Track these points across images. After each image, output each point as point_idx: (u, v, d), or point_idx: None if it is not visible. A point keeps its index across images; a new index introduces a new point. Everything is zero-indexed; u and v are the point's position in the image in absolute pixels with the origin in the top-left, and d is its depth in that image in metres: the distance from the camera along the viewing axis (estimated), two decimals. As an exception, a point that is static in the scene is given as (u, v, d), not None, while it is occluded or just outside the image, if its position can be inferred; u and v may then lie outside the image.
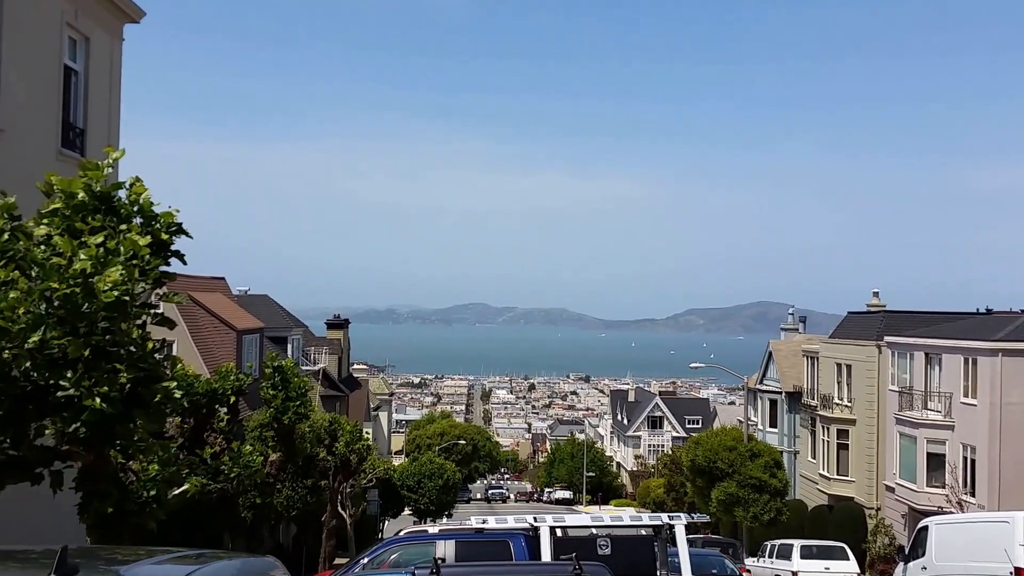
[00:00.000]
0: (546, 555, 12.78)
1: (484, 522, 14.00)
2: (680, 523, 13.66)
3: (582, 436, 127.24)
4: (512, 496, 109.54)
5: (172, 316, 32.11)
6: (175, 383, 9.42)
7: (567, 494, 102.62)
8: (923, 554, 21.71)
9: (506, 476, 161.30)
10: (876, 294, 48.72)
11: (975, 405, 34.08)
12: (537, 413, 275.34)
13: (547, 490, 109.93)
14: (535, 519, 13.49)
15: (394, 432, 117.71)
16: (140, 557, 3.87)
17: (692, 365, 46.69)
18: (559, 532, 13.31)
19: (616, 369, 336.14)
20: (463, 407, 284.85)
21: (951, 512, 29.60)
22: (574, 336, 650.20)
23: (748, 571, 29.30)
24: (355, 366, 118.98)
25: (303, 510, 31.52)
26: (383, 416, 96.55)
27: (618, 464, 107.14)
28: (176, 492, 15.90)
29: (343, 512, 29.38)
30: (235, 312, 37.11)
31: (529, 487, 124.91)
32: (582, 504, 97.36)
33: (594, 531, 13.52)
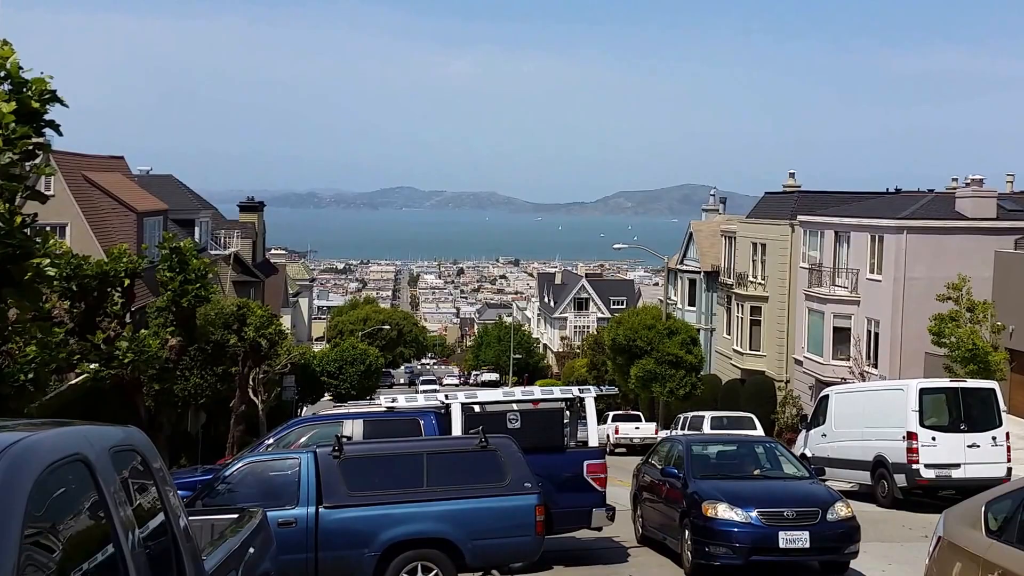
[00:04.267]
0: (457, 432, 13.12)
1: (394, 401, 14.31)
2: (590, 396, 14.27)
3: (510, 319, 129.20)
4: (440, 381, 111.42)
5: (63, 196, 31.32)
6: (48, 260, 9.27)
7: (494, 376, 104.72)
8: (823, 421, 23.04)
9: (434, 360, 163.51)
10: (792, 175, 49.79)
11: (880, 281, 35.62)
12: (466, 298, 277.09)
13: (474, 373, 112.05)
14: (446, 397, 13.81)
15: (315, 319, 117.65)
16: None
17: (615, 246, 47.58)
18: (471, 409, 13.60)
19: (545, 252, 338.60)
20: (389, 293, 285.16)
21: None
22: (504, 219, 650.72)
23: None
24: (272, 251, 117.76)
25: (212, 397, 31.65)
26: (303, 302, 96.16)
27: (544, 346, 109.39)
28: (73, 381, 15.94)
29: (255, 398, 29.72)
30: (135, 193, 36.28)
31: (457, 371, 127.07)
32: (508, 385, 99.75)
33: (514, 407, 13.83)
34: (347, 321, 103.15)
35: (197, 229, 43.71)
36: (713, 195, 63.36)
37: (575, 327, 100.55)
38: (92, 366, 14.36)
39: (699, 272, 55.37)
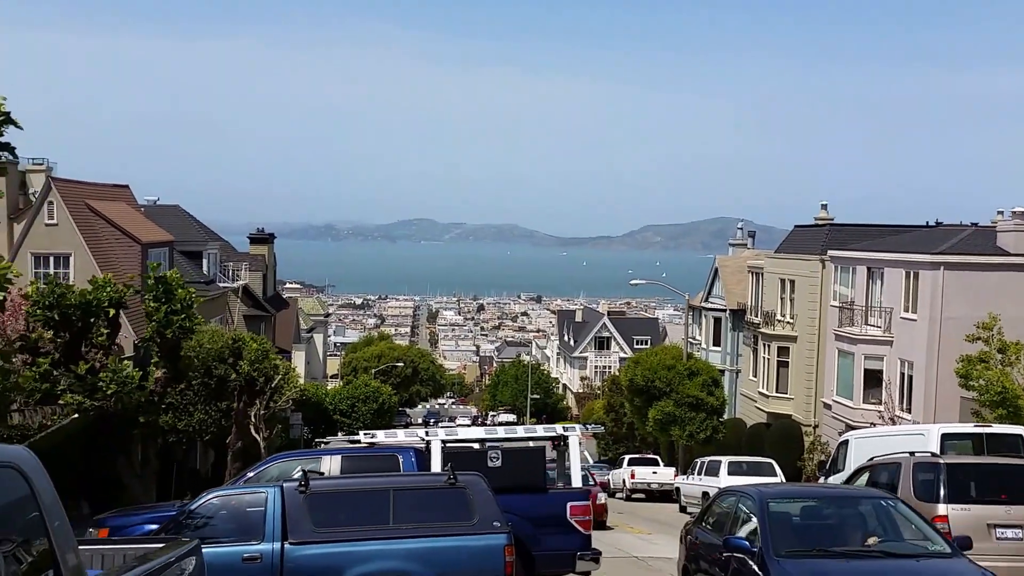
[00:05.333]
0: (436, 468, 13.07)
1: (373, 437, 14.26)
2: (574, 435, 14.08)
3: (528, 358, 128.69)
4: (455, 420, 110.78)
5: (66, 225, 31.39)
6: None
7: (511, 417, 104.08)
8: (843, 468, 22.48)
9: (452, 400, 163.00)
10: (824, 206, 49.22)
11: (915, 320, 34.92)
12: (486, 335, 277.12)
13: (491, 414, 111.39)
14: (427, 434, 13.86)
15: (330, 355, 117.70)
16: None
17: (632, 282, 47.18)
18: (450, 447, 13.57)
19: (569, 289, 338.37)
20: (408, 329, 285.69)
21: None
22: (526, 254, 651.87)
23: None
24: (288, 285, 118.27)
25: (217, 434, 31.50)
26: (318, 338, 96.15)
27: (564, 386, 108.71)
28: (75, 415, 15.75)
29: (256, 435, 29.41)
30: (140, 223, 36.33)
31: (475, 411, 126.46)
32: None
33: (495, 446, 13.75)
34: (361, 358, 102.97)
35: (205, 261, 43.72)
36: (741, 228, 62.82)
37: (596, 367, 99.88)
38: (76, 397, 14.17)
39: (724, 310, 54.70)
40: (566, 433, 14.12)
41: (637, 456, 43.62)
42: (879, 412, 34.10)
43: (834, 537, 10.46)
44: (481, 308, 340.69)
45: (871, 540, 10.19)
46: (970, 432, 19.66)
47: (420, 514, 10.65)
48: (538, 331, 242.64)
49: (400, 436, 14.37)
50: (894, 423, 32.19)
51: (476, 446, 13.73)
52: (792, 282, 45.30)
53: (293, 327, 67.71)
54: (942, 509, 13.45)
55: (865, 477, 16.35)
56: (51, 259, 30.48)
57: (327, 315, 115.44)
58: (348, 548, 10.40)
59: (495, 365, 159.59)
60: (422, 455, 13.63)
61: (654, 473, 40.14)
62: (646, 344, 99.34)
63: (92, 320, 15.34)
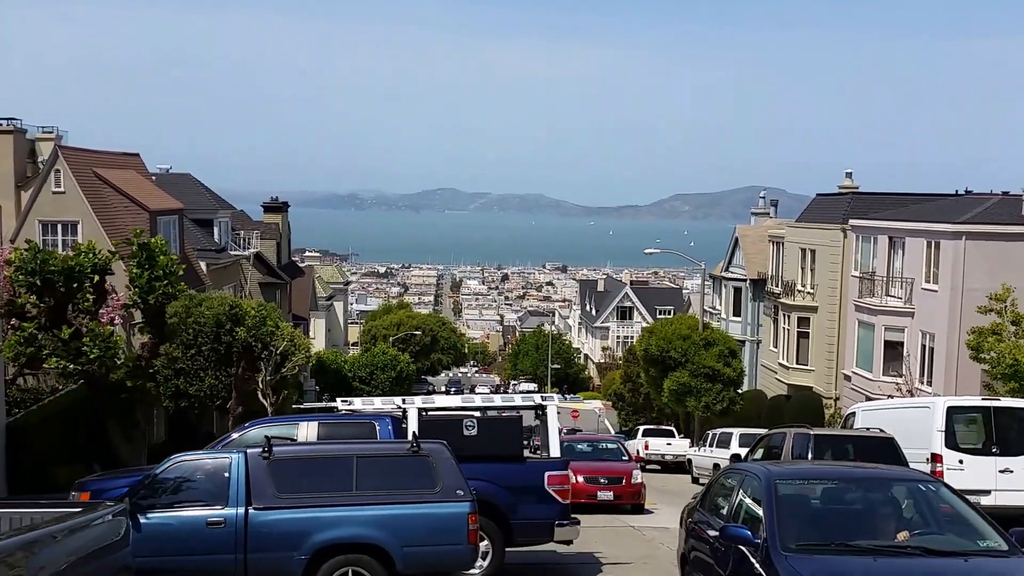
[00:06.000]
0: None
1: (350, 404, 14.36)
2: (552, 404, 14.08)
3: (552, 328, 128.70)
4: (475, 389, 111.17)
5: (73, 192, 31.63)
6: None
7: (531, 386, 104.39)
8: (851, 440, 22.36)
9: (475, 369, 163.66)
10: (849, 175, 48.71)
11: (936, 291, 34.52)
12: (510, 304, 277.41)
13: (512, 383, 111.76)
14: (403, 401, 13.94)
15: (352, 323, 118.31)
16: None
17: (646, 251, 46.93)
18: (427, 415, 13.65)
19: (595, 258, 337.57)
20: (431, 298, 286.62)
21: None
22: (552, 223, 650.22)
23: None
24: (308, 253, 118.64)
25: (227, 399, 31.84)
26: (338, 306, 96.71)
27: (585, 356, 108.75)
28: (73, 386, 15.94)
29: (264, 400, 29.66)
30: (149, 191, 36.52)
31: (497, 380, 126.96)
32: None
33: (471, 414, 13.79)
34: (380, 326, 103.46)
35: (216, 229, 43.97)
36: (763, 197, 62.32)
37: (617, 337, 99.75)
38: (60, 361, 14.37)
39: (745, 280, 54.37)
40: (544, 402, 14.07)
41: (652, 427, 43.59)
42: (896, 384, 33.81)
43: (859, 528, 8.46)
44: (505, 278, 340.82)
45: (901, 535, 8.12)
46: (978, 405, 19.43)
47: (383, 481, 10.73)
48: (563, 301, 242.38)
49: (377, 403, 14.46)
50: (912, 395, 31.90)
51: (456, 414, 13.73)
52: (813, 252, 44.88)
53: (309, 295, 68.09)
54: None
55: (762, 451, 18.71)
56: (59, 227, 30.77)
57: (347, 283, 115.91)
58: (311, 514, 10.53)
59: (518, 335, 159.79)
60: (399, 423, 13.71)
61: (668, 444, 40.13)
62: (670, 314, 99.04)
63: (75, 286, 15.47)
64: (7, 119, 32.63)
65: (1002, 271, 31.34)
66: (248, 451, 10.98)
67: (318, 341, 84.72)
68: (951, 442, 18.44)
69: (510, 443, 13.17)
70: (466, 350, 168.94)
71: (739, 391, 44.79)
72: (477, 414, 13.70)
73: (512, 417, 13.77)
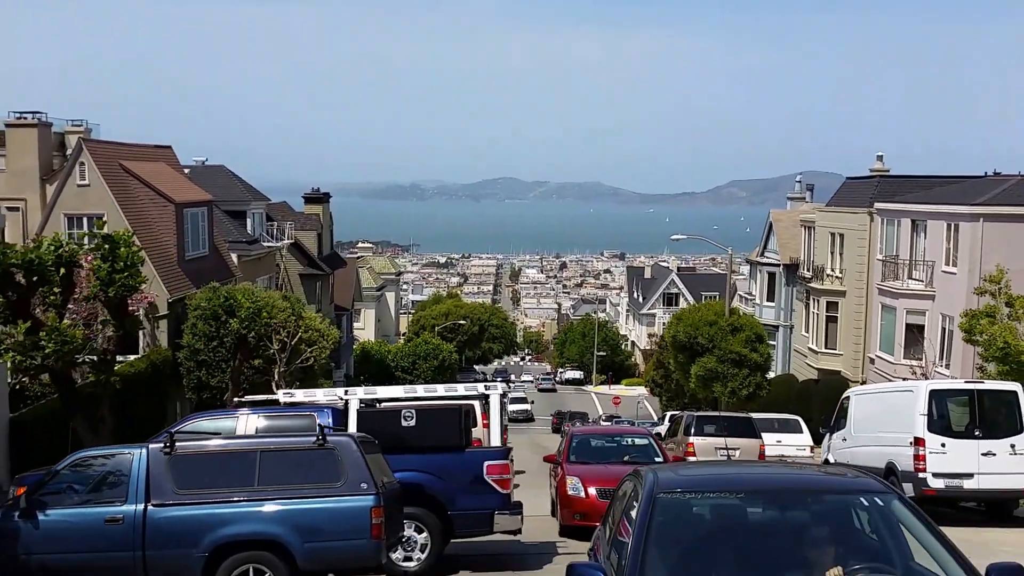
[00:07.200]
0: (352, 428, 13.06)
1: (291, 396, 14.41)
2: (495, 393, 13.89)
3: (603, 315, 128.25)
4: (515, 378, 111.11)
5: (98, 185, 32.36)
6: None
7: (577, 374, 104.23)
8: (844, 425, 22.13)
9: (529, 357, 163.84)
10: (880, 157, 47.70)
11: (955, 273, 33.78)
12: (568, 293, 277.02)
13: (559, 371, 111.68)
14: (345, 392, 13.87)
15: (403, 313, 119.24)
16: None
17: (673, 238, 46.58)
18: (367, 405, 13.53)
19: (652, 246, 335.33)
20: (491, 287, 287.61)
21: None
22: (610, 211, 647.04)
23: None
24: (360, 244, 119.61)
25: (248, 390, 32.38)
26: (390, 296, 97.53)
27: (632, 343, 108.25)
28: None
29: (278, 392, 30.15)
30: (177, 183, 37.10)
31: (548, 367, 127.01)
32: (591, 384, 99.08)
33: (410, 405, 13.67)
34: (428, 316, 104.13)
35: (248, 220, 44.57)
36: (799, 182, 61.32)
37: (663, 323, 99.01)
38: (14, 355, 14.60)
39: (778, 265, 53.71)
40: (487, 391, 13.91)
41: (677, 413, 43.32)
42: (911, 367, 33.21)
43: (769, 563, 5.72)
44: (563, 266, 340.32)
45: (833, 572, 5.39)
46: (961, 389, 19.10)
47: (286, 476, 10.51)
48: (620, 288, 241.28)
49: (318, 395, 14.44)
50: (927, 379, 31.30)
51: (395, 405, 13.62)
52: (841, 236, 44.17)
53: (353, 286, 68.69)
54: (691, 439, 25.01)
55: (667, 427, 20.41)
56: (83, 220, 31.32)
57: (399, 274, 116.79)
58: (210, 510, 10.33)
59: (569, 322, 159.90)
60: (340, 414, 13.57)
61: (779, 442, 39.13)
62: (716, 299, 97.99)
63: (35, 279, 15.56)
64: (31, 112, 33.28)
65: (1021, 253, 30.57)
66: (149, 446, 10.81)
67: (367, 331, 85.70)
68: (934, 426, 18.15)
69: (449, 433, 12.95)
70: (520, 339, 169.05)
71: (766, 376, 44.30)
72: (422, 404, 13.52)
73: (452, 407, 13.46)
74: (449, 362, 79.09)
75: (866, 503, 6.14)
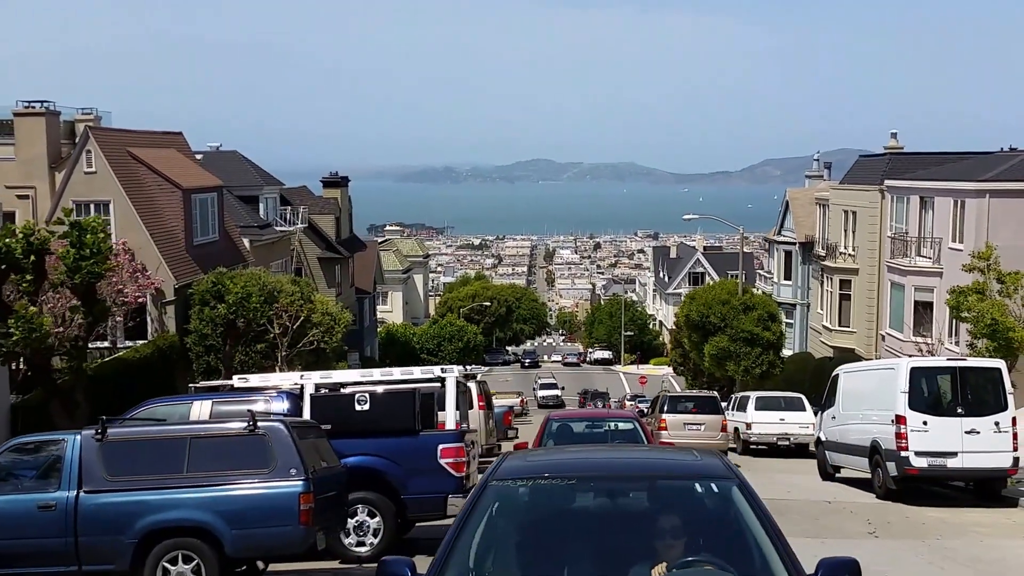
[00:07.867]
0: (306, 413, 13.06)
1: (246, 381, 14.38)
2: (451, 376, 13.72)
3: (632, 295, 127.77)
4: (547, 358, 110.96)
5: (104, 173, 32.66)
6: None
7: (606, 354, 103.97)
8: (834, 403, 21.90)
9: (562, 338, 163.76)
10: (894, 135, 46.94)
11: (961, 250, 33.14)
12: (602, 273, 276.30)
13: (588, 351, 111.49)
14: (301, 377, 13.85)
15: (431, 295, 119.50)
16: None
17: (685, 217, 46.25)
18: (321, 390, 13.52)
19: (686, 226, 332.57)
20: (525, 269, 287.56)
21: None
22: (644, 191, 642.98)
23: None
24: (388, 227, 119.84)
25: (256, 374, 32.68)
26: (418, 279, 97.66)
27: (660, 323, 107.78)
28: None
29: (233, 377, 30.30)
30: (186, 169, 37.29)
31: (580, 347, 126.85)
32: (620, 364, 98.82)
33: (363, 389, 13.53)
34: (456, 298, 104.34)
35: (261, 205, 44.81)
36: (817, 160, 60.54)
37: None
38: None
39: (794, 243, 53.13)
40: (443, 375, 13.75)
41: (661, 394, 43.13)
42: (918, 344, 32.74)
43: (590, 559, 5.19)
44: (597, 246, 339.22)
45: (656, 571, 4.91)
46: (943, 366, 18.79)
47: (216, 462, 10.51)
48: (650, 268, 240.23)
49: (274, 379, 14.39)
50: (932, 355, 30.85)
51: (349, 389, 13.53)
52: (854, 214, 43.61)
53: (374, 269, 68.90)
54: (664, 416, 26.54)
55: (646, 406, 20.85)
56: (91, 207, 31.64)
57: (427, 256, 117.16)
58: (139, 497, 10.37)
59: (599, 302, 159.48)
60: (297, 399, 13.51)
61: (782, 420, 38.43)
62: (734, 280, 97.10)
63: (4, 267, 15.62)
64: (39, 101, 33.71)
65: (1027, 229, 29.97)
66: (83, 432, 10.84)
67: (395, 314, 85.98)
68: (916, 404, 17.88)
69: (403, 417, 12.88)
70: (552, 319, 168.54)
71: (780, 355, 43.93)
72: (376, 389, 13.35)
73: (406, 391, 13.34)
74: (474, 343, 79.27)
75: (702, 489, 5.63)
